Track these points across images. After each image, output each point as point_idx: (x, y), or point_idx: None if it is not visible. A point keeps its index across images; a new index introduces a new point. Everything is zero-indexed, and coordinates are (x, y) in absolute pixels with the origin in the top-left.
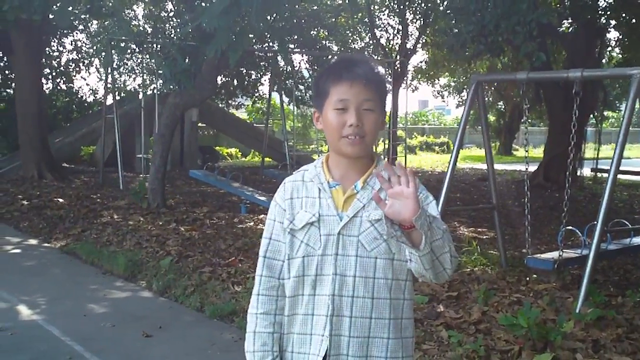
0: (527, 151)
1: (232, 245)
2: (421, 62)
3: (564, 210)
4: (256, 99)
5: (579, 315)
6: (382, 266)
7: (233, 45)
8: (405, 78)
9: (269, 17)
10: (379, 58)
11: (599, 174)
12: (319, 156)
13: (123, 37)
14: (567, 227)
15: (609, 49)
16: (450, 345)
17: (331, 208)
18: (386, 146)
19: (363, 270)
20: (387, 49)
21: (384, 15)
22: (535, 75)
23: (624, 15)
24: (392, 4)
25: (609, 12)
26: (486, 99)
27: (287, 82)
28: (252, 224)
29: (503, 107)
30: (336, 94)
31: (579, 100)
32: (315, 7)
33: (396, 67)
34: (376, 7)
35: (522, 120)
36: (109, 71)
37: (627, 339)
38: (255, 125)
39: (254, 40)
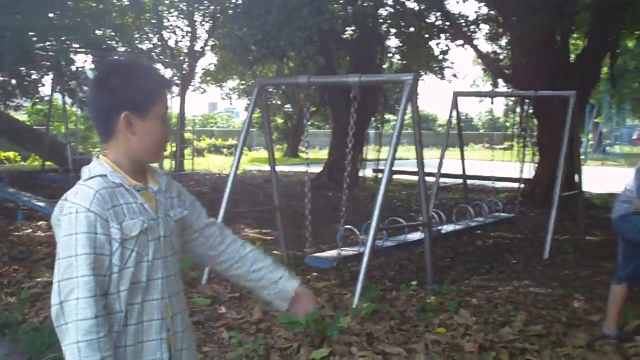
0: (307, 152)
1: (6, 254)
2: (210, 64)
3: (342, 210)
4: (37, 100)
5: (355, 310)
6: (178, 260)
7: (11, 46)
8: (193, 80)
9: (51, 15)
10: (166, 60)
11: (379, 175)
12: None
13: None
14: (346, 226)
15: (390, 55)
16: (231, 346)
17: (150, 212)
18: (174, 149)
19: (175, 268)
20: (175, 51)
21: (172, 16)
22: (316, 79)
23: (402, 24)
24: (180, 5)
25: (389, 21)
26: (275, 101)
27: (71, 82)
28: (29, 231)
29: (291, 109)
30: (163, 104)
31: (357, 104)
32: (101, 6)
33: (184, 70)
34: (164, 8)
35: (304, 122)
36: None
37: (399, 330)
38: (35, 127)
39: (34, 39)
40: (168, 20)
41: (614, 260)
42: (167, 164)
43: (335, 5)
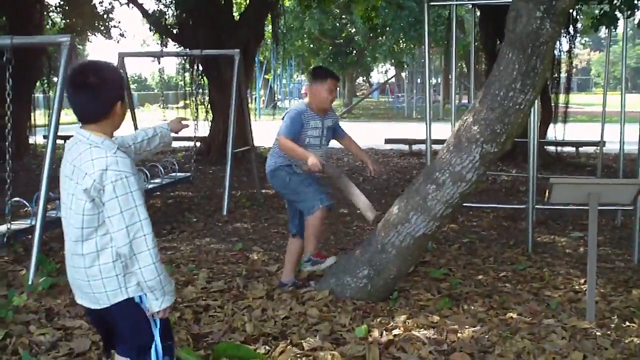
0: None
1: None
2: None
3: (7, 181)
4: None
5: (31, 287)
6: None
7: None
8: None
9: None
10: None
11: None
12: None
13: None
14: (16, 199)
15: (53, 15)
16: None
17: None
18: None
19: None
20: None
21: None
22: None
23: None
24: None
25: None
26: None
27: None
28: None
29: None
30: None
31: (12, 68)
32: None
33: None
34: None
35: None
36: None
37: None
38: None
39: None
40: None
41: None
42: None
43: None
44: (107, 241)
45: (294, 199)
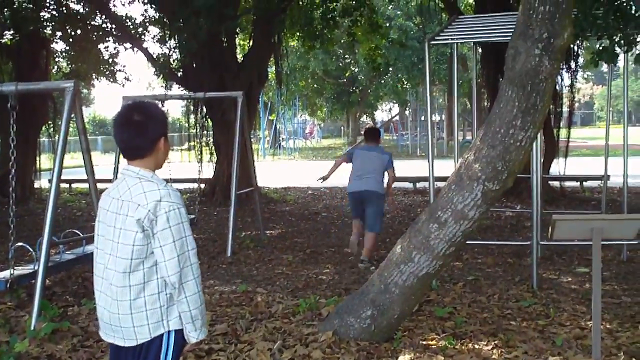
0: None
1: None
2: None
3: (10, 226)
4: None
5: (33, 332)
6: None
7: None
8: None
9: None
10: None
11: (62, 185)
12: None
13: None
14: (19, 243)
15: (59, 60)
16: None
17: None
18: None
19: None
20: None
21: None
22: None
23: (67, 27)
24: None
25: (53, 24)
26: None
27: None
28: None
29: None
30: None
31: (15, 114)
32: None
33: None
34: None
35: None
36: None
37: (82, 347)
38: None
39: None
40: None
41: (294, 251)
42: None
43: None
44: (153, 273)
45: (379, 214)
